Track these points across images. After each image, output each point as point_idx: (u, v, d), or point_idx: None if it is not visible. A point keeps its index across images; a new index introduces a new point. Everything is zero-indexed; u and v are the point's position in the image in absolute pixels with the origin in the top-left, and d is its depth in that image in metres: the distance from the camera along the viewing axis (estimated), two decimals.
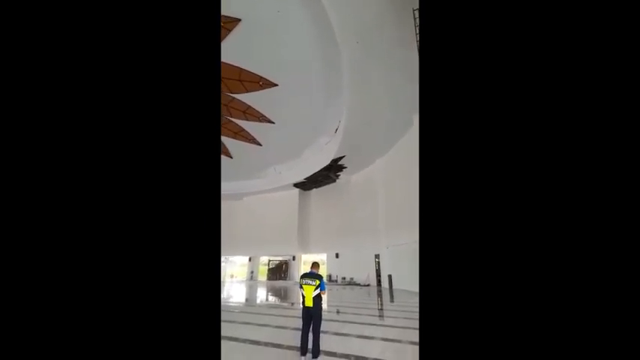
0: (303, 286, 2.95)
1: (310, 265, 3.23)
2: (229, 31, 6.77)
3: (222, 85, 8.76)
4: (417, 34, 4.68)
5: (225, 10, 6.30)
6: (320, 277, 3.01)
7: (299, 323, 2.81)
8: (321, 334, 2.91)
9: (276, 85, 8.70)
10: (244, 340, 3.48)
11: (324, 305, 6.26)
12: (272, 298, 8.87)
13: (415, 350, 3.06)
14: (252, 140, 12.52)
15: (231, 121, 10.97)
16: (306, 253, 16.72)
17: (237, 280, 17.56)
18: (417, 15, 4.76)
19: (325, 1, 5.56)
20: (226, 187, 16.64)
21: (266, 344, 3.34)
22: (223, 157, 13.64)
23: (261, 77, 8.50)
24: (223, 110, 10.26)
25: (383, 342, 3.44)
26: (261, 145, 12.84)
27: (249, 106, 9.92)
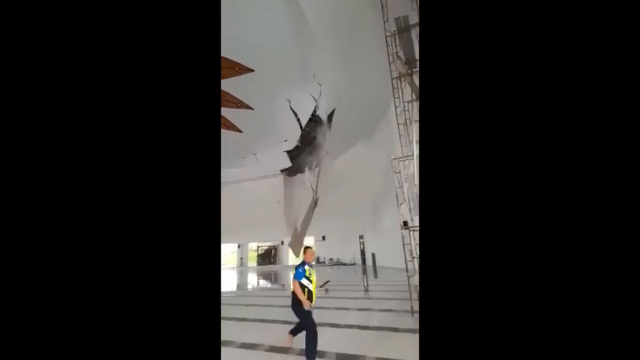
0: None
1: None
2: None
3: None
4: (385, 22, 4.77)
5: None
6: (299, 266, 2.57)
7: (285, 302, 2.98)
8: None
9: (252, 70, 8.55)
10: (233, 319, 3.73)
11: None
12: (262, 282, 9.15)
13: (392, 317, 3.40)
14: (231, 127, 12.37)
15: None
16: None
17: (227, 267, 17.78)
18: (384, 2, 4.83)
19: None
20: None
21: (253, 320, 3.60)
22: None
23: (237, 63, 8.36)
24: None
25: (370, 312, 3.76)
26: (241, 132, 12.72)
27: (226, 92, 9.75)
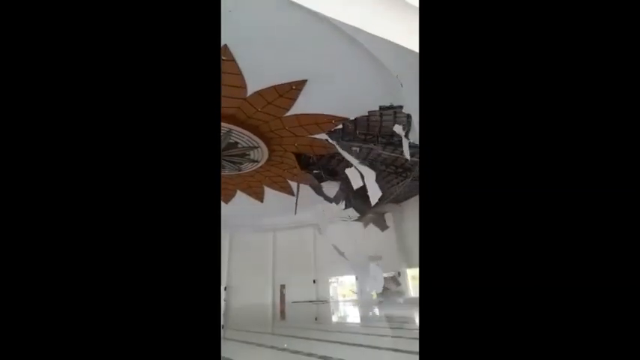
0: None
1: None
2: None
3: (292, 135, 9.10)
4: None
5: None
6: None
7: None
8: None
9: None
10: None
11: None
12: None
13: None
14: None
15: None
16: (411, 267, 16.31)
17: (349, 299, 18.29)
18: None
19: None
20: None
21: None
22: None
23: (333, 116, 8.30)
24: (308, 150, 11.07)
25: None
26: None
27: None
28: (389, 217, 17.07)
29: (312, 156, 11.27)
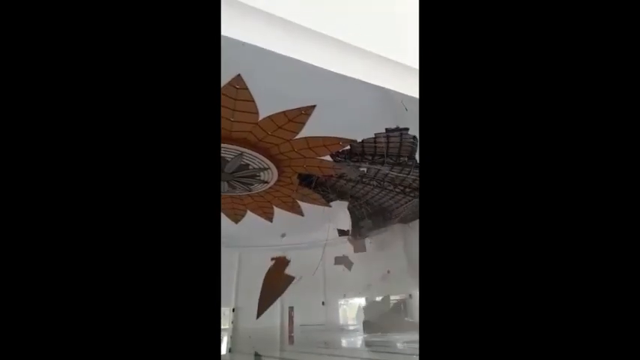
0: None
1: None
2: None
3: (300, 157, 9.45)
4: None
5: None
6: None
7: None
8: None
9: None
10: None
11: None
12: None
13: None
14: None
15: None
16: None
17: (357, 323, 17.69)
18: None
19: None
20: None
21: None
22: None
23: (340, 138, 8.80)
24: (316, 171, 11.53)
25: None
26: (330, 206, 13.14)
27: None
28: (397, 238, 16.87)
29: (319, 176, 11.49)
